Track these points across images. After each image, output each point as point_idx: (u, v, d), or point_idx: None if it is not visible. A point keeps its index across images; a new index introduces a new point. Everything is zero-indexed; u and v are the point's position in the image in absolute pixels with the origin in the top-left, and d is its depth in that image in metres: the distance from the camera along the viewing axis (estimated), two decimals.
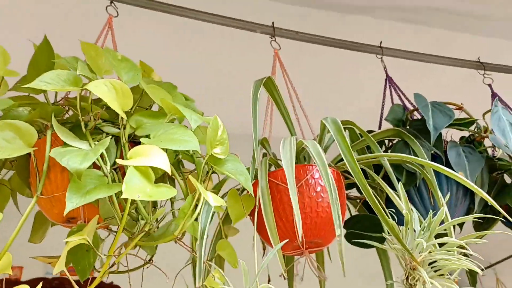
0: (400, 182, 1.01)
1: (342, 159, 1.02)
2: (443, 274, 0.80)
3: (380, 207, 0.81)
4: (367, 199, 0.84)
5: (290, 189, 0.81)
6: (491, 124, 1.03)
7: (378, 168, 1.06)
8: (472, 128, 1.11)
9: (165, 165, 0.62)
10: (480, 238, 1.03)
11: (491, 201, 0.81)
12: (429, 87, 2.02)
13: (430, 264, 0.85)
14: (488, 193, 1.13)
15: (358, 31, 1.77)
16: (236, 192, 0.94)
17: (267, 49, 1.30)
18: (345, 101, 2.06)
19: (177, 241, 0.68)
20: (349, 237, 1.07)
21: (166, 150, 0.74)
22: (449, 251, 0.81)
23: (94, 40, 1.13)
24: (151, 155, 0.63)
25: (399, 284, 0.83)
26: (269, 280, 1.02)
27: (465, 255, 0.86)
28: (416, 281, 0.79)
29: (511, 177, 1.10)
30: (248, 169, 0.92)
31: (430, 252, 0.80)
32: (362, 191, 0.84)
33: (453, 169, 1.01)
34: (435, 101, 1.09)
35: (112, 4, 1.19)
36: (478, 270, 0.77)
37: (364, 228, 1.00)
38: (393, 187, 1.02)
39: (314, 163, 0.89)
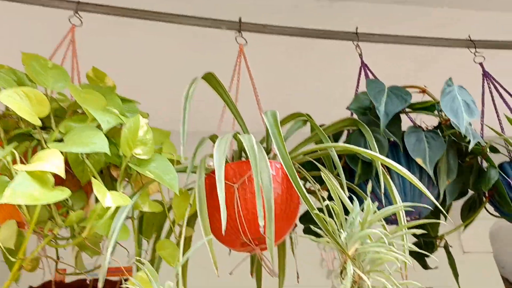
0: (356, 173, 0.97)
1: (299, 153, 1.00)
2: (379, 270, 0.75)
3: (308, 198, 0.78)
4: (297, 191, 0.81)
5: (218, 187, 0.80)
6: (443, 106, 0.95)
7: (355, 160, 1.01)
8: (436, 112, 1.03)
9: (57, 168, 0.63)
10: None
11: (426, 193, 0.76)
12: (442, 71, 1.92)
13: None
14: (465, 179, 1.06)
15: (348, 16, 1.71)
16: (182, 191, 0.95)
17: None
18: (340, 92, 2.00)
19: (85, 241, 0.68)
20: (306, 232, 1.03)
21: (83, 154, 0.75)
22: (383, 243, 0.76)
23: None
24: (47, 159, 0.64)
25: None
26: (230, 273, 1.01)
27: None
28: (345, 275, 0.75)
29: (486, 160, 1.01)
30: (185, 167, 0.92)
31: (363, 245, 0.76)
32: (293, 183, 0.81)
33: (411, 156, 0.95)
34: (394, 86, 1.02)
35: (76, 14, 1.23)
36: (409, 262, 0.72)
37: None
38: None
39: None
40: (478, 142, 0.97)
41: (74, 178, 0.88)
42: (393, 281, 0.72)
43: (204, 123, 1.41)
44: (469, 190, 1.10)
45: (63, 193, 0.62)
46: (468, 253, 3.76)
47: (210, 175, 0.96)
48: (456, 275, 1.08)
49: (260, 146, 0.93)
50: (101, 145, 0.71)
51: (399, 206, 0.75)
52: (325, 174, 0.86)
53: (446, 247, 1.09)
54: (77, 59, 1.16)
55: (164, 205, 0.94)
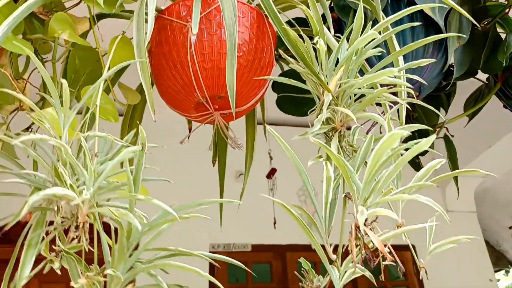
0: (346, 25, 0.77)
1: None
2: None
3: (280, 19, 0.57)
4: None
5: None
6: None
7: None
8: None
9: None
10: None
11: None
12: None
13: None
14: (477, 51, 0.87)
15: None
16: (125, 39, 0.74)
17: None
18: None
19: None
20: (281, 103, 0.84)
21: None
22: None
23: None
24: None
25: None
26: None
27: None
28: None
29: (503, 26, 0.82)
30: None
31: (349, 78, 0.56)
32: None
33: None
34: None
35: None
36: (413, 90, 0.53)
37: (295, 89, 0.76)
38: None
39: None
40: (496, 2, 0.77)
41: None
42: (385, 119, 0.54)
43: None
44: (477, 72, 0.92)
45: None
46: (452, 212, 3.67)
47: (158, 17, 0.75)
48: (455, 169, 0.91)
49: None
50: None
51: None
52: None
53: (446, 137, 0.91)
54: None
55: (98, 52, 0.73)
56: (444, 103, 0.97)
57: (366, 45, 0.57)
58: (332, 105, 0.56)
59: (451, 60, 0.80)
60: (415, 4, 0.78)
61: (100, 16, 0.78)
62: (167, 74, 0.72)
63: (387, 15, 0.77)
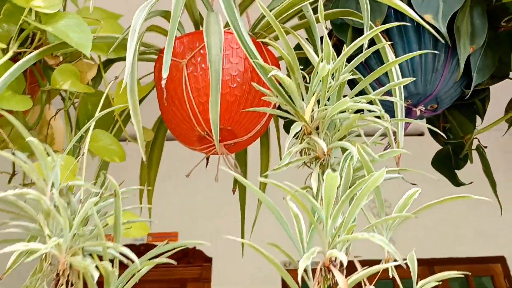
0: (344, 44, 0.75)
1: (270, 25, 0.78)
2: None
3: (253, 52, 0.57)
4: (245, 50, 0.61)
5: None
6: None
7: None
8: None
9: None
10: None
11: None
12: None
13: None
14: (503, 51, 0.79)
15: None
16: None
17: None
18: None
19: None
20: (288, 128, 0.82)
21: None
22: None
23: None
24: None
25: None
26: None
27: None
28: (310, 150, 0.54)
29: None
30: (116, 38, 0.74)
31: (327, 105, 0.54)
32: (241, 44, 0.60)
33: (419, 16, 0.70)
34: None
35: None
36: (390, 126, 0.50)
37: None
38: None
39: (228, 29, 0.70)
40: None
41: None
42: (367, 150, 0.51)
43: None
44: (509, 74, 0.83)
45: None
46: None
47: (159, 56, 0.78)
48: (493, 184, 0.82)
49: (217, 14, 0.73)
50: None
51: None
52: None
53: (479, 149, 0.83)
54: None
55: (108, 96, 0.78)
56: (480, 111, 0.89)
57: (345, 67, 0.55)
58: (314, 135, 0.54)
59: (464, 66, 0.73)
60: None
61: (110, 61, 0.83)
62: (168, 111, 0.75)
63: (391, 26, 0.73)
